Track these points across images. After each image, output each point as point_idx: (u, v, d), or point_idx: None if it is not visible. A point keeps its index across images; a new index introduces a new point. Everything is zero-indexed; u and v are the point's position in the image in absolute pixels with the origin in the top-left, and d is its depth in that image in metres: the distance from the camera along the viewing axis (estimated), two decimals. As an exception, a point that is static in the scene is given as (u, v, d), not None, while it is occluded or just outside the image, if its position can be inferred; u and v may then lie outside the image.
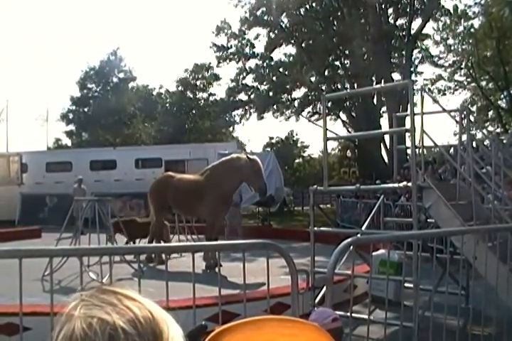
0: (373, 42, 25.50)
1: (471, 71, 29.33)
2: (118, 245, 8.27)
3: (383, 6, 27.03)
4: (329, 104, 25.83)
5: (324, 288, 5.03)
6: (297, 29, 28.74)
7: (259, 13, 29.03)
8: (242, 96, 32.52)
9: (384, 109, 28.36)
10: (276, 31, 29.55)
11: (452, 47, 29.59)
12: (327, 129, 6.91)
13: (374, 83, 26.13)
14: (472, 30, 28.50)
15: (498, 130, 26.66)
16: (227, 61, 31.66)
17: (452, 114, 7.27)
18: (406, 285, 5.52)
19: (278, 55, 31.30)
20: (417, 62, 29.89)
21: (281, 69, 30.58)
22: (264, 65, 31.22)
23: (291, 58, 30.53)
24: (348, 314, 3.87)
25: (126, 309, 0.70)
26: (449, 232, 5.15)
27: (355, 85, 26.87)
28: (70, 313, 0.70)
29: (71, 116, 40.31)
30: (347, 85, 28.73)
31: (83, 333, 0.66)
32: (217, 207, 9.45)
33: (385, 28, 26.18)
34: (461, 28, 28.86)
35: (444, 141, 22.58)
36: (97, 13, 69.90)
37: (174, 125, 36.70)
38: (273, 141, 42.25)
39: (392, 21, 27.82)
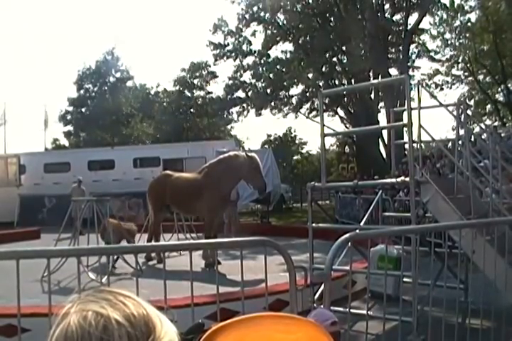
0: (370, 38, 25.48)
1: (468, 65, 29.31)
2: (116, 245, 8.26)
3: (380, 2, 27.00)
4: (327, 101, 25.81)
5: (323, 285, 5.03)
6: (294, 26, 28.69)
7: (255, 9, 28.99)
8: (240, 94, 32.52)
9: (382, 104, 28.36)
10: (273, 28, 29.51)
11: (449, 42, 29.55)
12: (324, 125, 6.91)
13: (371, 79, 26.13)
14: (469, 24, 28.47)
15: (496, 123, 26.67)
16: (225, 58, 31.63)
17: (450, 108, 7.26)
18: (405, 280, 5.53)
19: (275, 52, 31.32)
20: (414, 56, 29.88)
21: (278, 67, 30.54)
22: (262, 62, 31.19)
23: (289, 55, 30.50)
24: (347, 310, 3.88)
25: (121, 304, 0.72)
26: (447, 226, 5.15)
27: (353, 81, 26.87)
28: (67, 311, 0.72)
29: (69, 117, 40.25)
30: (344, 81, 28.71)
31: (78, 325, 0.69)
32: (216, 205, 9.45)
33: (382, 24, 26.15)
34: (457, 22, 28.82)
35: (442, 135, 22.65)
36: (93, 12, 69.81)
37: (172, 124, 36.69)
38: (271, 138, 42.26)
39: (388, 16, 27.78)
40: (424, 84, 21.65)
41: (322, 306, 3.52)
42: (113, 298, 0.73)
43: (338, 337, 2.75)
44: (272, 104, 31.14)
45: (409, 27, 27.23)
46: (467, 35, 28.53)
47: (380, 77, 25.00)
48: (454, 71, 30.63)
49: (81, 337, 0.68)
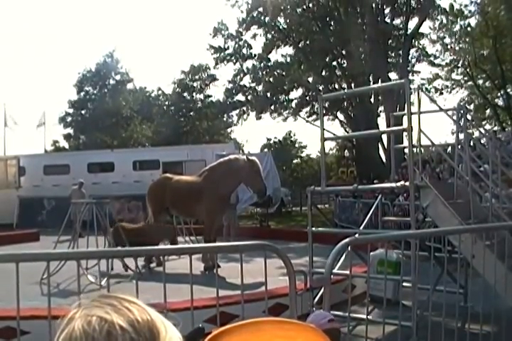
0: (370, 42, 25.53)
1: (468, 70, 29.36)
2: (116, 248, 8.26)
3: (380, 6, 27.06)
4: (327, 104, 25.83)
5: (322, 289, 5.03)
6: (294, 29, 28.75)
7: (256, 13, 29.04)
8: (240, 97, 32.55)
9: (381, 108, 28.38)
10: (273, 32, 29.56)
11: (449, 46, 29.60)
12: (324, 129, 6.92)
13: (371, 83, 26.16)
14: (469, 28, 28.53)
15: (496, 128, 26.69)
16: (225, 62, 31.67)
17: (449, 112, 7.27)
18: (404, 284, 5.52)
19: (275, 55, 31.36)
20: (414, 61, 29.94)
21: (278, 70, 30.58)
22: (262, 65, 31.22)
23: (289, 59, 30.54)
24: (347, 314, 3.88)
25: (125, 309, 0.73)
26: (446, 231, 5.15)
27: (353, 85, 26.90)
28: (72, 315, 0.73)
29: (69, 119, 40.27)
30: (344, 85, 28.74)
31: (82, 330, 0.69)
32: (216, 208, 9.46)
33: (382, 28, 26.19)
34: (457, 27, 28.89)
35: (442, 139, 22.65)
36: (93, 15, 69.93)
37: (172, 127, 36.71)
38: (271, 141, 42.26)
39: (388, 21, 27.84)
40: (423, 89, 21.69)
41: (322, 310, 3.52)
42: (118, 303, 0.74)
43: (338, 333, 2.76)
44: (272, 107, 31.14)
45: (409, 31, 27.28)
46: (467, 39, 28.58)
47: (379, 81, 25.03)
48: (453, 75, 30.72)
49: None
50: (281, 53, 31.06)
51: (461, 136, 6.97)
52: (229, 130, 41.07)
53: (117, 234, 9.17)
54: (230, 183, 9.38)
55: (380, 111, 28.69)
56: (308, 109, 31.45)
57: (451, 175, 8.76)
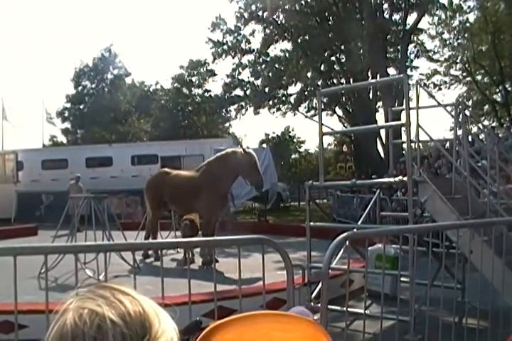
0: (369, 38, 25.46)
1: (466, 65, 29.35)
2: (114, 242, 8.25)
3: (378, 1, 26.98)
4: (325, 100, 25.78)
5: (320, 283, 5.03)
6: (292, 25, 28.67)
7: (254, 8, 28.97)
8: (238, 92, 32.49)
9: (380, 103, 28.37)
10: (271, 27, 29.48)
11: (448, 42, 29.60)
12: (323, 124, 6.90)
13: (370, 78, 26.12)
14: (467, 24, 28.51)
15: (494, 124, 26.72)
16: (223, 56, 31.59)
17: (448, 108, 7.27)
18: (402, 279, 5.53)
19: (274, 50, 31.29)
20: (412, 56, 29.92)
21: (277, 65, 30.52)
22: (260, 60, 31.15)
23: (287, 54, 30.47)
24: (345, 309, 3.89)
25: (118, 302, 0.72)
26: (444, 226, 5.15)
27: (351, 80, 26.86)
28: (66, 307, 0.73)
29: (66, 113, 40.17)
30: (343, 80, 28.70)
31: (73, 323, 0.69)
32: (214, 202, 9.44)
33: (381, 23, 26.12)
34: (456, 23, 28.87)
35: (440, 135, 22.67)
36: (91, 9, 69.65)
37: (170, 121, 36.64)
38: (269, 136, 42.21)
39: (387, 16, 27.78)
40: (422, 84, 21.66)
41: (319, 305, 3.52)
42: (111, 295, 0.73)
43: None
44: (270, 102, 31.10)
45: (407, 27, 27.23)
46: (466, 35, 28.58)
47: (378, 76, 25.00)
48: (452, 71, 30.74)
49: (75, 336, 0.68)
50: (280, 48, 31.02)
51: (460, 131, 6.96)
52: (227, 125, 41.06)
53: (192, 228, 9.63)
54: (227, 177, 9.36)
55: (379, 107, 28.69)
56: (306, 104, 31.42)
57: (449, 171, 8.77)
